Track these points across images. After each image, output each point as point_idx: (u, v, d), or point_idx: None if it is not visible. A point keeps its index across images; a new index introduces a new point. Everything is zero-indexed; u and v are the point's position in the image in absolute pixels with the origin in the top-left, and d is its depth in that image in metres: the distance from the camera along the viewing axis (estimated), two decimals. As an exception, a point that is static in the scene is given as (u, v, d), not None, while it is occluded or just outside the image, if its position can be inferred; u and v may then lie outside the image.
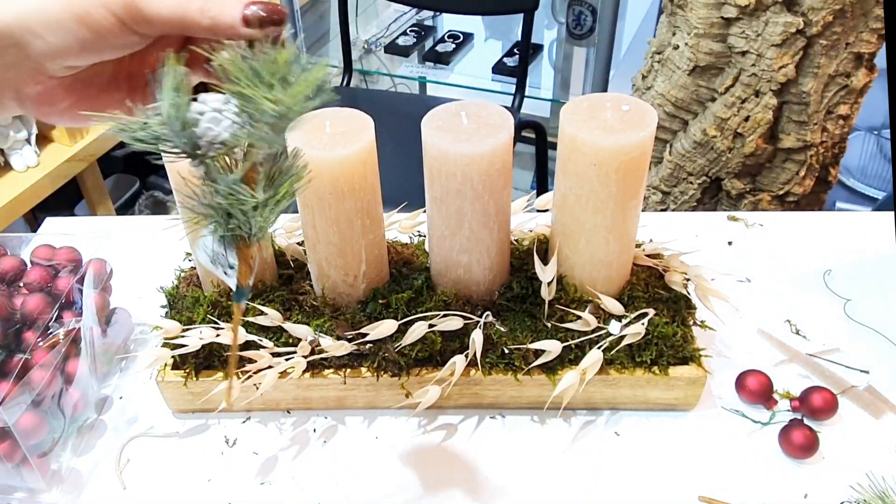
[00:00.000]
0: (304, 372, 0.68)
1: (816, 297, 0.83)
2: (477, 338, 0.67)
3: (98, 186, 1.78)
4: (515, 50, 2.04)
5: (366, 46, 2.19)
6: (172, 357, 0.69)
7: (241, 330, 0.68)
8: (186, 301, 0.72)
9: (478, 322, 0.68)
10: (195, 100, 0.37)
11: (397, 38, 2.17)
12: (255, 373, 0.67)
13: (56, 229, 0.97)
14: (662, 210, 1.41)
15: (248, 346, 0.68)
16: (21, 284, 0.74)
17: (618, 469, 0.67)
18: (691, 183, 1.34)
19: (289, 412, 0.73)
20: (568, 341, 0.67)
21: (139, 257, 0.89)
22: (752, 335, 0.79)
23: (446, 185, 0.63)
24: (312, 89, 0.37)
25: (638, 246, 0.74)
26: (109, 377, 0.77)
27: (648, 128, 0.61)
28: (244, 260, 0.41)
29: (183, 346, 0.67)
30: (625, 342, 0.66)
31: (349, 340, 0.68)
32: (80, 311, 0.72)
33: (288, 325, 0.68)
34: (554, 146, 0.69)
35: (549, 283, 0.67)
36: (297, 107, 0.37)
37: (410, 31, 2.20)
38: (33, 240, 0.80)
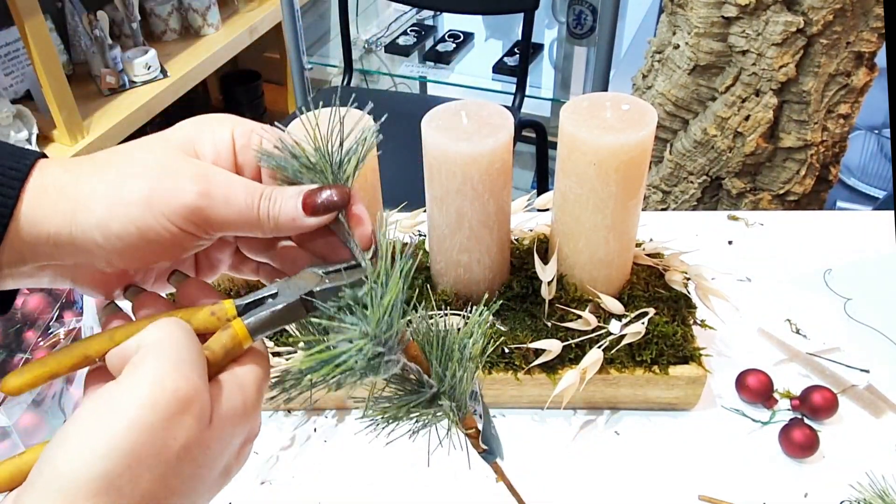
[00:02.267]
0: (305, 371, 0.68)
1: (817, 297, 0.83)
2: (477, 337, 0.67)
3: (98, 186, 1.79)
4: (516, 49, 2.04)
5: (366, 46, 2.19)
6: (173, 357, 0.69)
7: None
8: (187, 301, 0.72)
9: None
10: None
11: (398, 37, 2.17)
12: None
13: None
14: (663, 209, 1.41)
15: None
16: (21, 284, 0.74)
17: (618, 468, 0.67)
18: (692, 182, 1.34)
19: (290, 412, 0.73)
20: (568, 340, 0.67)
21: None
22: (752, 334, 0.79)
23: (446, 185, 0.63)
24: (389, 311, 0.35)
25: (638, 245, 0.74)
26: (110, 377, 0.77)
27: (648, 127, 0.61)
28: (469, 429, 0.40)
29: (183, 345, 0.67)
30: (625, 341, 0.66)
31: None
32: (80, 310, 0.72)
33: (288, 325, 0.68)
34: (554, 146, 0.69)
35: (549, 283, 0.67)
36: (384, 333, 0.35)
37: (411, 30, 2.19)
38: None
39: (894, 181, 0.84)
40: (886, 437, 0.68)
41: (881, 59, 1.22)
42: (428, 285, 0.72)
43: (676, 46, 1.27)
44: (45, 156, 0.36)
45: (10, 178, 0.34)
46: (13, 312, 0.70)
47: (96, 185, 0.35)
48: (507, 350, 0.68)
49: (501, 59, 2.04)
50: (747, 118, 1.23)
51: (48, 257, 0.36)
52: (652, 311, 0.68)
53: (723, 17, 1.18)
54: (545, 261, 0.68)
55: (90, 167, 0.36)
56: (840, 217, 0.95)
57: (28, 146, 1.65)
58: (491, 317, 0.68)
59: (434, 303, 0.69)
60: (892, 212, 0.87)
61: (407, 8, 2.23)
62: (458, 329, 0.39)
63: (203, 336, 0.36)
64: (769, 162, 1.28)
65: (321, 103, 0.43)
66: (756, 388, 0.71)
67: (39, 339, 0.68)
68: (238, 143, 0.38)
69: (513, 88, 1.72)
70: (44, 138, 1.66)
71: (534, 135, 1.81)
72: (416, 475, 0.67)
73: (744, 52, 1.19)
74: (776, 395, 0.71)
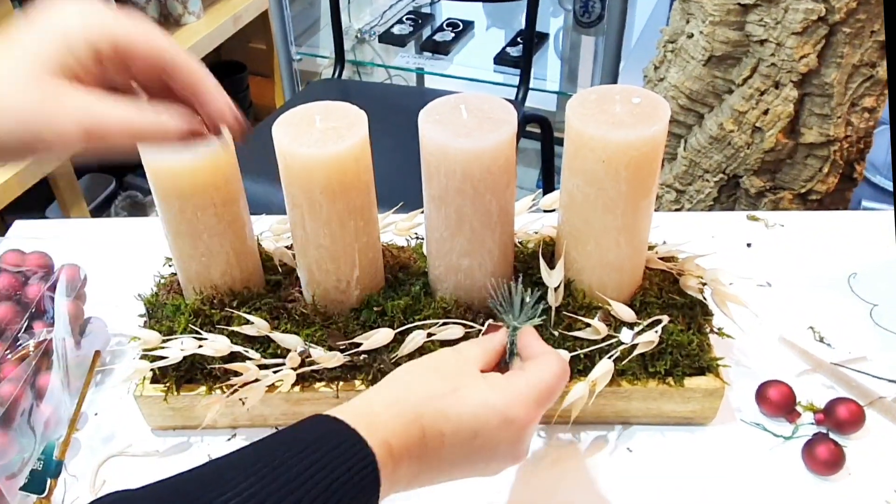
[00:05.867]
0: (294, 385, 0.68)
1: (841, 302, 0.83)
2: (478, 347, 0.66)
3: (71, 186, 1.79)
4: (519, 39, 2.04)
5: (359, 36, 2.19)
6: (151, 370, 0.69)
7: (225, 340, 0.68)
8: (166, 310, 0.72)
9: (480, 330, 0.68)
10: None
11: (393, 26, 2.17)
12: (240, 387, 0.67)
13: (26, 233, 0.97)
14: (677, 210, 1.41)
15: (233, 357, 0.68)
16: (-11, 292, 0.73)
17: (630, 488, 0.67)
18: (707, 181, 1.34)
19: (277, 429, 0.73)
20: (576, 350, 0.67)
21: (116, 262, 0.89)
22: (773, 343, 0.79)
23: (445, 184, 0.63)
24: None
25: (651, 248, 0.74)
26: (84, 391, 0.77)
27: (661, 122, 0.61)
28: None
29: (163, 357, 0.67)
30: (637, 351, 0.66)
31: (342, 351, 0.68)
32: (51, 320, 0.71)
33: (276, 335, 0.68)
34: (560, 142, 0.69)
35: (555, 289, 0.67)
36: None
37: (406, 19, 2.20)
38: (1, 244, 0.80)
39: (894, 181, 0.84)
40: (918, 453, 0.68)
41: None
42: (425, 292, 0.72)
43: (690, 36, 1.27)
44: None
45: None
46: (-20, 322, 0.70)
47: None
48: (510, 361, 0.68)
49: (504, 49, 2.05)
50: (766, 112, 1.23)
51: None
52: (666, 318, 0.68)
53: (739, 4, 1.19)
54: (551, 265, 0.68)
55: None
56: (866, 217, 0.95)
57: None
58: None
59: (433, 311, 0.69)
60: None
61: (402, -5, 2.24)
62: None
63: None
64: (790, 159, 1.28)
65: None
66: (777, 401, 0.71)
67: (7, 351, 0.68)
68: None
69: (516, 81, 1.72)
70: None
71: (539, 130, 1.81)
72: (415, 494, 0.67)
73: (762, 42, 1.19)
74: (799, 409, 0.71)
